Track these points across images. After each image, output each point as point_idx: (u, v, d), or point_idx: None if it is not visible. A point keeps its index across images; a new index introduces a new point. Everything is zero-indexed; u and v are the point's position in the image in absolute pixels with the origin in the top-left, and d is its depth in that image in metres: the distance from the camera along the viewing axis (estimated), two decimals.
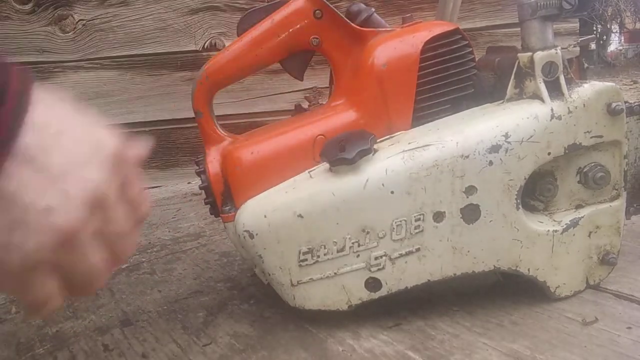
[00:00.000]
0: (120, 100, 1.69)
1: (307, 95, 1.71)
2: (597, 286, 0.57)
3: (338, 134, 0.54)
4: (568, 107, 0.51)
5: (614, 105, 0.52)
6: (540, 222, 0.54)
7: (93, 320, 0.67)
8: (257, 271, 0.62)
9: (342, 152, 0.51)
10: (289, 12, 0.59)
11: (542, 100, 0.51)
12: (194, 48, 1.69)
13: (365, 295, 0.54)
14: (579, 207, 0.56)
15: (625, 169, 0.55)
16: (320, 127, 0.57)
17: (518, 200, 0.52)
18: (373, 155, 0.52)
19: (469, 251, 0.53)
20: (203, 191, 0.60)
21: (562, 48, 0.53)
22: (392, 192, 0.51)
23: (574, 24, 1.78)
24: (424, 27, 0.57)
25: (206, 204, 0.60)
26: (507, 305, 0.57)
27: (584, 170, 0.54)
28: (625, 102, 0.55)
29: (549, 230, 0.53)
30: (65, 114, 0.30)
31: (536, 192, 0.55)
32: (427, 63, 0.56)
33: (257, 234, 0.53)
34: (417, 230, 0.52)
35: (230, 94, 1.68)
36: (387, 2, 1.71)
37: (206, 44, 1.69)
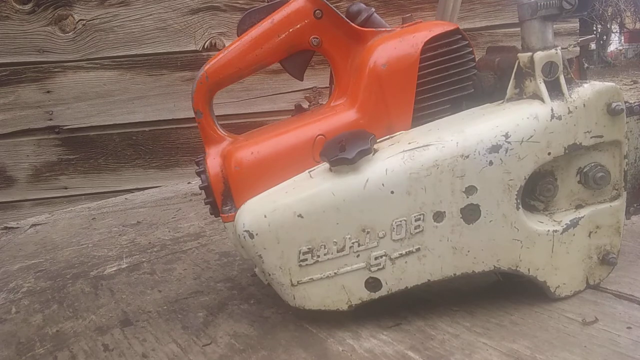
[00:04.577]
0: (120, 100, 1.69)
1: (307, 95, 1.71)
2: (597, 286, 0.57)
3: (338, 134, 0.54)
4: (568, 107, 0.51)
5: (614, 105, 0.52)
6: (540, 222, 0.54)
7: (93, 320, 0.67)
8: (257, 271, 0.62)
9: (342, 152, 0.51)
10: (289, 12, 0.59)
11: (542, 100, 0.51)
12: (194, 48, 1.69)
13: (365, 295, 0.54)
14: (579, 207, 0.56)
15: (626, 169, 0.55)
16: (320, 127, 0.57)
17: (518, 200, 0.52)
18: (373, 155, 0.52)
19: (469, 251, 0.53)
20: (203, 191, 0.60)
21: (562, 48, 0.53)
22: (392, 192, 0.51)
23: (574, 24, 1.78)
24: (424, 27, 0.57)
25: (206, 204, 0.60)
26: (507, 305, 0.56)
27: (584, 170, 0.54)
28: (625, 102, 0.55)
29: (549, 230, 0.53)
30: None
31: (536, 192, 0.55)
32: (427, 63, 0.56)
33: (257, 234, 0.53)
34: (417, 230, 0.52)
35: (230, 94, 1.69)
36: (387, 2, 1.71)
37: (206, 44, 1.69)
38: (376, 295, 0.54)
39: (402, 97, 0.56)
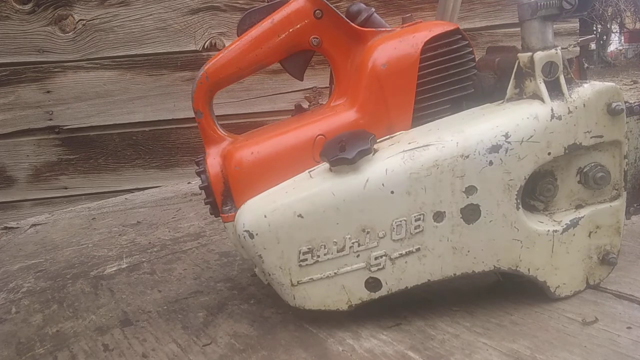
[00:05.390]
0: (120, 100, 1.69)
1: (307, 95, 1.71)
2: (597, 286, 0.57)
3: (338, 134, 0.54)
4: (568, 107, 0.51)
5: (614, 105, 0.52)
6: (540, 222, 0.54)
7: (93, 320, 0.67)
8: (257, 271, 0.62)
9: (342, 152, 0.51)
10: (289, 12, 0.59)
11: (542, 100, 0.51)
12: (194, 48, 1.69)
13: (365, 295, 0.54)
14: (579, 207, 0.56)
15: (625, 169, 0.55)
16: (320, 127, 0.57)
17: (518, 200, 0.52)
18: (373, 155, 0.52)
19: (469, 251, 0.53)
20: (203, 191, 0.60)
21: (562, 48, 0.53)
22: (392, 192, 0.51)
23: (574, 24, 1.79)
24: (424, 27, 0.57)
25: (206, 204, 0.60)
26: (507, 305, 0.56)
27: (584, 170, 0.54)
28: (625, 102, 0.55)
29: (549, 230, 0.53)
30: None
31: (536, 192, 0.55)
32: (427, 63, 0.56)
33: (257, 234, 0.53)
34: (417, 230, 0.52)
35: (230, 94, 1.69)
36: (387, 2, 1.71)
37: (206, 44, 1.69)
38: (376, 295, 0.54)
39: (402, 97, 0.56)
